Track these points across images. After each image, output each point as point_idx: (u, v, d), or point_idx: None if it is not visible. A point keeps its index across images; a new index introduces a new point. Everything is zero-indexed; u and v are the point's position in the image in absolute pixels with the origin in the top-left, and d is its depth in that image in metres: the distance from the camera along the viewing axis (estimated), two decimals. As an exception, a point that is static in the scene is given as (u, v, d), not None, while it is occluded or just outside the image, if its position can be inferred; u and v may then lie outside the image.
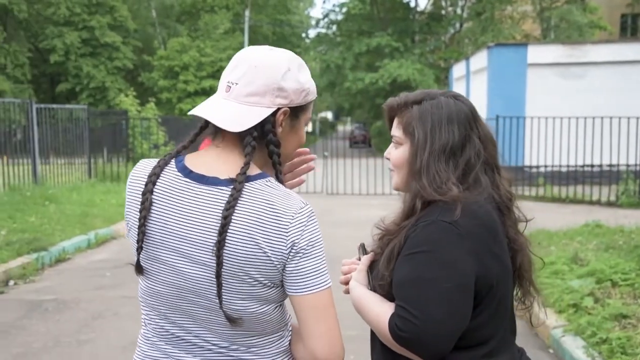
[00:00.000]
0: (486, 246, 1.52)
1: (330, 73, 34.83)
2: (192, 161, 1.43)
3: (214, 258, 1.31)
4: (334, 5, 36.83)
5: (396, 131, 1.68)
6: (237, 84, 1.39)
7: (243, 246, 1.32)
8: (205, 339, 1.41)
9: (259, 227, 1.32)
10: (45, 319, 5.66)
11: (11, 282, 6.89)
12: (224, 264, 1.31)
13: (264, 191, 1.36)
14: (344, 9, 35.54)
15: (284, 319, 1.48)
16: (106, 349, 4.93)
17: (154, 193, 1.39)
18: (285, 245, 1.33)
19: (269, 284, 1.37)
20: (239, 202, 1.33)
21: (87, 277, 7.17)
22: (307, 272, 1.35)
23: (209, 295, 1.36)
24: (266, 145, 1.41)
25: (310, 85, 1.47)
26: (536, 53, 17.20)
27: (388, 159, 1.72)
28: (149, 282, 1.43)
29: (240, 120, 1.36)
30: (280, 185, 1.42)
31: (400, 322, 1.44)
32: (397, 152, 1.68)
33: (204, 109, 1.40)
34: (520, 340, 1.79)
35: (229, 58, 34.71)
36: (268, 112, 1.39)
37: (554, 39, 26.62)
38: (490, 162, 1.66)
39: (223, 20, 36.31)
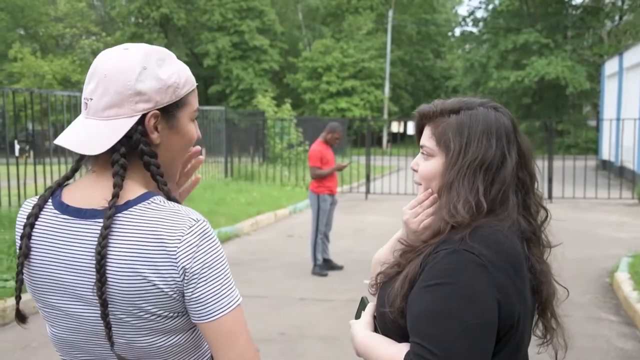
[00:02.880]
0: (510, 281, 1.37)
1: (473, 72, 33.80)
2: (70, 193, 1.31)
3: (105, 297, 1.21)
4: (480, 2, 35.69)
5: (428, 141, 1.54)
6: (91, 99, 1.25)
7: (129, 282, 1.21)
8: None
9: (143, 258, 1.20)
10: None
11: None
12: (113, 303, 1.22)
13: (145, 216, 1.23)
14: (490, 6, 34.34)
15: (200, 344, 1.36)
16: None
17: (34, 236, 1.28)
18: (176, 273, 1.21)
19: (171, 314, 1.25)
20: (118, 233, 1.21)
21: (201, 274, 7.48)
22: (206, 297, 1.23)
23: (113, 337, 1.26)
24: (140, 157, 1.28)
25: (178, 77, 1.30)
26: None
27: (415, 170, 1.59)
28: (53, 330, 1.33)
29: (99, 139, 1.23)
30: (168, 203, 1.27)
31: None
32: (426, 165, 1.54)
33: (64, 134, 1.28)
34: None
35: (371, 58, 34.98)
36: (131, 122, 1.25)
37: None
38: (527, 180, 1.51)
39: (366, 21, 36.52)
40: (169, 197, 1.31)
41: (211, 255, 1.24)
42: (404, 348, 1.37)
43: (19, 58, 29.72)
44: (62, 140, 1.27)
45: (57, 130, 9.30)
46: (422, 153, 1.55)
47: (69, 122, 11.88)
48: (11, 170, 8.24)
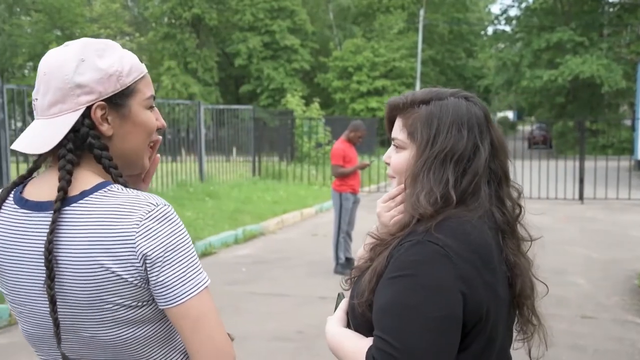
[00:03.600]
0: (477, 273, 1.34)
1: (506, 71, 33.39)
2: (30, 188, 1.31)
3: (53, 294, 1.20)
4: (513, 1, 35.24)
5: (398, 133, 1.52)
6: (37, 99, 1.27)
7: (88, 272, 1.19)
8: None
9: (101, 247, 1.19)
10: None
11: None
12: (74, 296, 1.21)
13: (102, 204, 1.22)
14: (524, 4, 33.87)
15: (172, 337, 1.34)
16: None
17: None
18: (136, 259, 1.19)
19: (136, 304, 1.23)
20: (74, 224, 1.20)
21: (224, 272, 7.49)
22: (171, 281, 1.21)
23: (78, 331, 1.26)
24: (90, 151, 1.27)
25: (120, 65, 1.28)
26: None
27: (387, 163, 1.57)
28: (22, 326, 1.34)
29: (45, 137, 1.23)
30: (126, 189, 1.25)
31: (379, 355, 1.28)
32: (397, 157, 1.52)
33: (19, 137, 1.28)
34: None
35: (402, 58, 34.80)
36: (75, 116, 1.24)
37: None
38: (499, 172, 1.48)
39: (398, 20, 36.35)
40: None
41: (174, 239, 1.22)
42: (369, 344, 1.34)
43: (55, 58, 30.30)
44: (16, 144, 1.28)
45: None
46: (394, 146, 1.53)
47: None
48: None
